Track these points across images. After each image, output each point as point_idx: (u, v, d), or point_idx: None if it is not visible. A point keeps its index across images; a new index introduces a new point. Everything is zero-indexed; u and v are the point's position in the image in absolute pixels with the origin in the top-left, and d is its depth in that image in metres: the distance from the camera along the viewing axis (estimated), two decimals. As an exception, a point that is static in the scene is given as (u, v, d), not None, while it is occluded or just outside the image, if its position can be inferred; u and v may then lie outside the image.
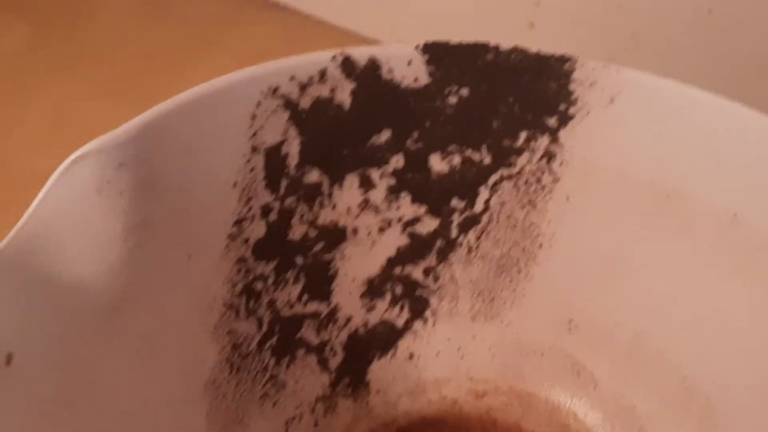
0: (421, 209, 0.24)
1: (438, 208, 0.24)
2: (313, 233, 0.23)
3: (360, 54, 0.21)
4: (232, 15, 0.47)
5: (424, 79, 0.22)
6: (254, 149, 0.21)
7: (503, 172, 0.23)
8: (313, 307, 0.25)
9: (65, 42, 0.46)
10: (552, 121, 0.22)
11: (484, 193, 0.24)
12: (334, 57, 0.21)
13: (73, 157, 0.17)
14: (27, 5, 0.49)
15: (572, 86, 0.21)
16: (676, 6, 0.31)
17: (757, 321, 0.21)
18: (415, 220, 0.25)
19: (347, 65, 0.21)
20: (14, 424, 0.16)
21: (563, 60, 0.21)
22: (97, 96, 0.41)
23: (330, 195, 0.23)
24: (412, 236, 0.25)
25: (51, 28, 0.47)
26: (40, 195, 0.17)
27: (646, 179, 0.21)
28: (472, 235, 0.25)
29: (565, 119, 0.22)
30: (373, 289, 0.26)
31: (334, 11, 0.44)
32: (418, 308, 0.26)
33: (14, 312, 0.16)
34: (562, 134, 0.22)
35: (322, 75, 0.21)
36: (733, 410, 0.22)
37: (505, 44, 0.21)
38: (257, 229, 0.22)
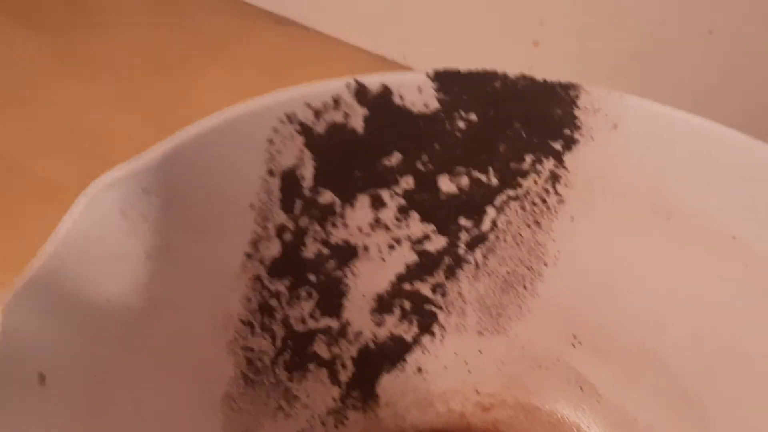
0: (430, 228, 0.25)
1: (446, 226, 0.25)
2: (325, 251, 0.24)
3: (372, 81, 0.22)
4: (240, 27, 0.48)
5: (433, 105, 0.22)
6: (270, 172, 0.22)
7: (510, 192, 0.24)
8: (324, 322, 0.26)
9: (77, 52, 0.46)
10: (557, 145, 0.23)
11: (491, 212, 0.25)
12: (348, 84, 0.21)
13: (100, 184, 0.18)
14: (41, 15, 0.50)
15: (577, 112, 0.22)
16: (676, 26, 0.32)
17: (755, 336, 0.22)
18: (424, 238, 0.25)
19: (360, 92, 0.22)
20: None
21: (568, 87, 0.22)
22: (108, 104, 0.42)
23: (342, 215, 0.24)
24: (421, 254, 0.26)
25: (63, 39, 0.48)
26: (68, 220, 0.18)
27: (647, 201, 0.22)
28: (479, 252, 0.26)
29: (569, 143, 0.22)
30: (382, 305, 0.26)
31: (340, 27, 0.45)
32: (427, 323, 0.27)
33: (45, 333, 0.17)
34: (567, 158, 0.23)
35: (336, 102, 0.22)
36: (732, 423, 0.23)
37: (513, 72, 0.22)
38: (273, 248, 0.23)
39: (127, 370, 0.20)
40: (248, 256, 0.22)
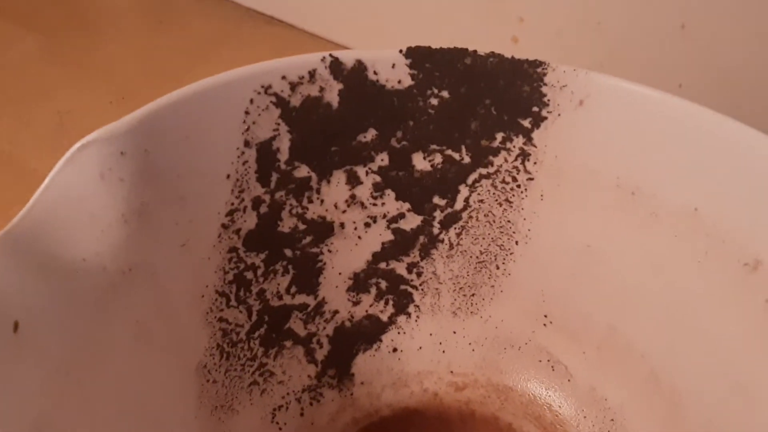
0: (405, 206, 0.26)
1: (421, 205, 0.26)
2: (301, 227, 0.25)
3: (347, 56, 0.22)
4: (232, 27, 0.49)
5: (407, 81, 0.23)
6: (247, 143, 0.22)
7: (481, 171, 0.25)
8: (300, 299, 0.26)
9: (71, 51, 0.47)
10: (526, 123, 0.23)
11: (464, 191, 0.25)
12: (323, 58, 0.22)
13: (78, 144, 0.19)
14: (35, 16, 0.50)
15: (544, 89, 0.22)
16: (650, 22, 0.33)
17: (719, 312, 0.22)
18: (399, 217, 0.26)
19: (335, 66, 0.22)
20: (22, 390, 0.17)
21: (536, 64, 0.22)
22: (100, 103, 0.43)
23: (318, 190, 0.24)
24: (396, 232, 0.26)
25: (58, 38, 0.48)
26: (47, 179, 0.19)
27: (613, 177, 0.23)
28: (453, 231, 0.26)
29: (538, 120, 0.23)
30: (358, 284, 0.27)
31: (329, 27, 0.46)
32: (402, 303, 0.28)
33: (21, 285, 0.18)
34: (536, 135, 0.23)
35: (312, 75, 0.22)
36: (699, 400, 0.23)
37: (482, 50, 0.23)
38: (249, 221, 0.23)
39: (103, 332, 0.20)
40: (224, 227, 0.23)
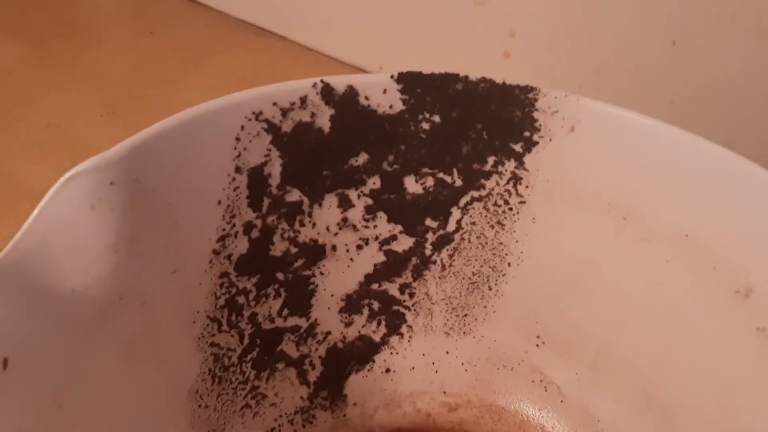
0: (397, 228, 0.26)
1: (413, 227, 0.26)
2: (293, 250, 0.25)
3: (338, 82, 0.22)
4: (221, 37, 0.49)
5: (398, 106, 0.23)
6: (238, 169, 0.22)
7: (473, 193, 0.25)
8: (293, 321, 0.26)
9: (60, 59, 0.47)
10: (518, 147, 0.23)
11: (456, 213, 0.25)
12: (314, 84, 0.22)
13: (68, 175, 0.19)
14: (24, 24, 0.50)
15: (536, 114, 0.22)
16: (641, 38, 0.33)
17: (711, 337, 0.22)
18: (392, 239, 0.26)
19: (326, 92, 0.22)
20: (12, 426, 0.17)
21: (527, 90, 0.22)
22: (89, 112, 0.43)
23: (310, 213, 0.24)
24: (389, 254, 0.26)
25: (46, 46, 0.48)
26: (37, 210, 0.18)
27: (605, 202, 0.23)
28: (445, 253, 0.26)
29: (529, 145, 0.23)
30: (351, 305, 0.27)
31: (318, 38, 0.46)
32: (395, 324, 0.28)
33: (10, 319, 0.17)
34: (527, 159, 0.23)
35: (303, 101, 0.22)
36: (691, 419, 0.23)
37: (474, 75, 0.23)
38: (240, 246, 0.23)
39: (94, 361, 0.20)
40: (216, 252, 0.23)
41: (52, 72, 0.46)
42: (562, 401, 0.27)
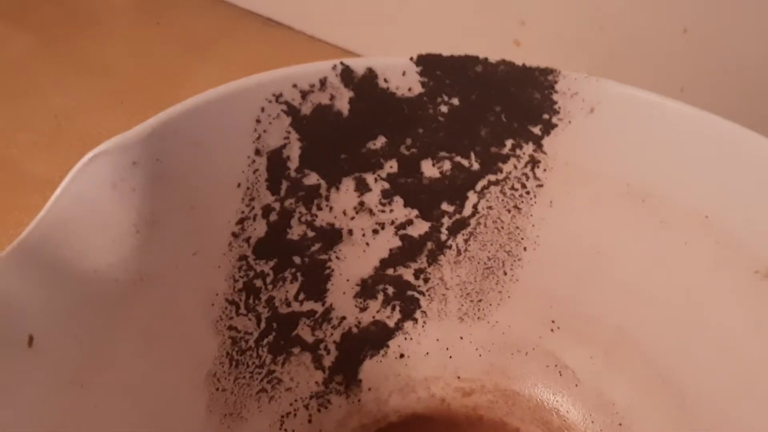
0: (413, 212, 0.26)
1: (429, 211, 0.26)
2: (310, 234, 0.25)
3: (358, 64, 0.22)
4: (229, 28, 0.49)
5: (417, 89, 0.23)
6: (258, 152, 0.22)
7: (490, 177, 0.25)
8: (308, 306, 0.26)
9: (67, 50, 0.47)
10: (536, 130, 0.23)
11: (472, 197, 0.25)
12: (334, 66, 0.22)
13: (90, 154, 0.19)
14: (31, 15, 0.50)
15: (555, 96, 0.23)
16: (653, 26, 0.33)
17: (730, 319, 0.22)
18: (407, 223, 0.26)
19: (346, 74, 0.22)
20: (36, 402, 0.17)
21: (547, 72, 0.22)
22: (97, 103, 0.43)
23: (327, 197, 0.24)
24: (404, 238, 0.26)
25: (54, 37, 0.48)
26: (59, 189, 0.18)
27: (623, 184, 0.23)
28: (460, 238, 0.26)
29: (548, 128, 0.23)
30: (366, 290, 0.27)
31: (326, 29, 0.46)
32: (409, 309, 0.28)
33: (34, 298, 0.17)
34: (546, 142, 0.23)
35: (323, 83, 0.22)
36: (707, 401, 0.23)
37: (493, 57, 0.23)
38: (258, 229, 0.23)
39: (114, 342, 0.20)
40: (234, 235, 0.23)
41: (60, 63, 0.46)
42: (576, 385, 0.27)
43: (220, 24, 0.49)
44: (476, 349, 0.28)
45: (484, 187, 0.25)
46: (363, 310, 0.27)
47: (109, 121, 0.41)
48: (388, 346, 0.28)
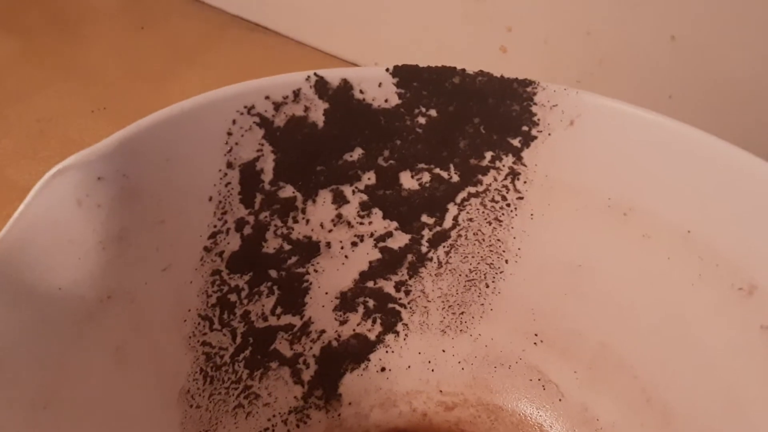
0: (393, 225, 0.25)
1: (409, 223, 0.25)
2: (287, 247, 0.24)
3: (333, 75, 0.22)
4: (215, 33, 0.48)
5: (394, 100, 0.22)
6: (230, 165, 0.22)
7: (470, 189, 0.24)
8: (286, 319, 0.25)
9: (52, 56, 0.46)
10: (516, 142, 0.23)
11: (452, 209, 0.25)
12: (308, 77, 0.22)
13: (54, 170, 0.18)
14: (14, 19, 0.49)
15: (534, 108, 0.22)
16: (640, 33, 0.32)
17: (713, 335, 0.22)
18: (387, 236, 0.25)
19: (320, 85, 0.22)
20: (-4, 428, 0.16)
21: (526, 83, 0.22)
22: (81, 109, 0.42)
23: (303, 210, 0.24)
24: (384, 251, 0.26)
25: (37, 42, 0.48)
26: (22, 206, 0.18)
27: (605, 197, 0.22)
28: (441, 250, 0.26)
29: (527, 140, 0.23)
30: (345, 303, 0.26)
31: (313, 34, 0.45)
32: (390, 322, 0.27)
33: (-7, 318, 0.17)
34: (526, 154, 0.23)
35: (296, 95, 0.22)
36: (691, 419, 0.23)
37: (471, 68, 0.22)
38: (232, 243, 0.23)
39: (82, 361, 0.19)
40: (207, 249, 0.22)
41: (43, 67, 0.46)
42: (560, 400, 0.26)
43: (206, 29, 0.49)
44: (459, 362, 0.28)
45: (464, 200, 0.24)
46: (343, 323, 0.27)
47: (93, 127, 0.41)
48: (369, 360, 0.27)
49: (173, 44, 0.48)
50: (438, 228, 0.25)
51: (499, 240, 0.25)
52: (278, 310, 0.25)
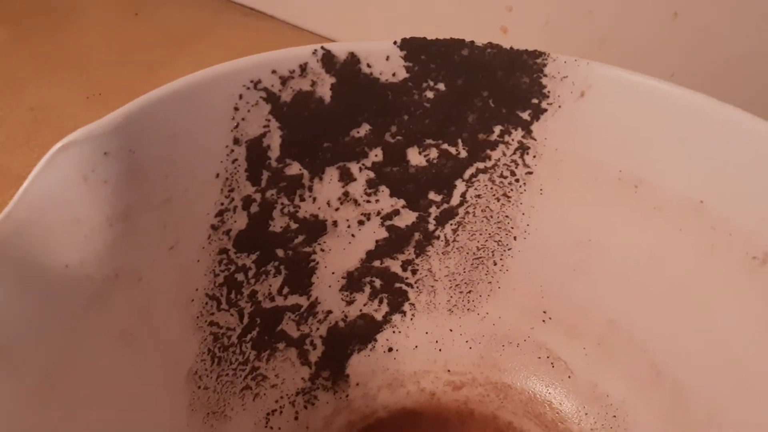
0: (400, 202, 0.25)
1: (416, 201, 0.25)
2: (293, 226, 0.24)
3: (340, 49, 0.21)
4: (209, 18, 0.48)
5: (401, 74, 0.22)
6: (236, 141, 0.21)
7: (479, 165, 0.24)
8: (293, 300, 0.25)
9: (44, 45, 0.46)
10: (525, 115, 0.23)
11: (460, 186, 0.24)
12: (314, 51, 0.21)
13: (59, 145, 0.18)
14: (6, 9, 0.49)
15: (544, 80, 0.22)
16: (643, 10, 0.32)
17: (724, 307, 0.22)
18: (394, 214, 0.25)
19: (327, 60, 0.21)
20: (6, 408, 0.16)
21: (535, 55, 0.22)
22: (74, 96, 0.42)
23: (310, 188, 0.23)
24: (391, 229, 0.25)
25: (30, 32, 0.47)
26: (27, 181, 0.17)
27: (615, 170, 0.22)
28: (449, 228, 0.25)
29: (537, 113, 0.22)
30: (352, 283, 0.26)
31: (308, 18, 0.45)
32: (397, 301, 0.27)
33: (1, 296, 0.17)
34: (535, 127, 0.23)
35: (303, 69, 0.21)
36: (701, 391, 0.23)
37: (480, 40, 0.22)
38: (239, 221, 0.22)
39: (89, 341, 0.19)
40: (214, 228, 0.22)
41: (35, 55, 0.45)
42: (569, 377, 0.26)
43: (200, 14, 0.48)
44: (466, 341, 0.28)
45: (473, 175, 0.24)
46: (350, 303, 0.26)
47: (87, 114, 0.40)
48: (376, 340, 0.27)
49: (167, 30, 0.47)
50: (445, 205, 0.25)
51: (507, 216, 0.25)
52: (285, 290, 0.25)
